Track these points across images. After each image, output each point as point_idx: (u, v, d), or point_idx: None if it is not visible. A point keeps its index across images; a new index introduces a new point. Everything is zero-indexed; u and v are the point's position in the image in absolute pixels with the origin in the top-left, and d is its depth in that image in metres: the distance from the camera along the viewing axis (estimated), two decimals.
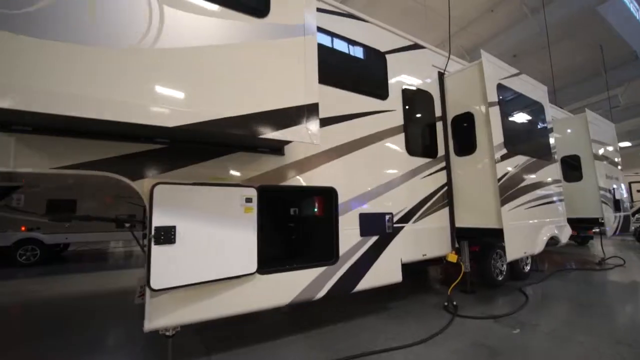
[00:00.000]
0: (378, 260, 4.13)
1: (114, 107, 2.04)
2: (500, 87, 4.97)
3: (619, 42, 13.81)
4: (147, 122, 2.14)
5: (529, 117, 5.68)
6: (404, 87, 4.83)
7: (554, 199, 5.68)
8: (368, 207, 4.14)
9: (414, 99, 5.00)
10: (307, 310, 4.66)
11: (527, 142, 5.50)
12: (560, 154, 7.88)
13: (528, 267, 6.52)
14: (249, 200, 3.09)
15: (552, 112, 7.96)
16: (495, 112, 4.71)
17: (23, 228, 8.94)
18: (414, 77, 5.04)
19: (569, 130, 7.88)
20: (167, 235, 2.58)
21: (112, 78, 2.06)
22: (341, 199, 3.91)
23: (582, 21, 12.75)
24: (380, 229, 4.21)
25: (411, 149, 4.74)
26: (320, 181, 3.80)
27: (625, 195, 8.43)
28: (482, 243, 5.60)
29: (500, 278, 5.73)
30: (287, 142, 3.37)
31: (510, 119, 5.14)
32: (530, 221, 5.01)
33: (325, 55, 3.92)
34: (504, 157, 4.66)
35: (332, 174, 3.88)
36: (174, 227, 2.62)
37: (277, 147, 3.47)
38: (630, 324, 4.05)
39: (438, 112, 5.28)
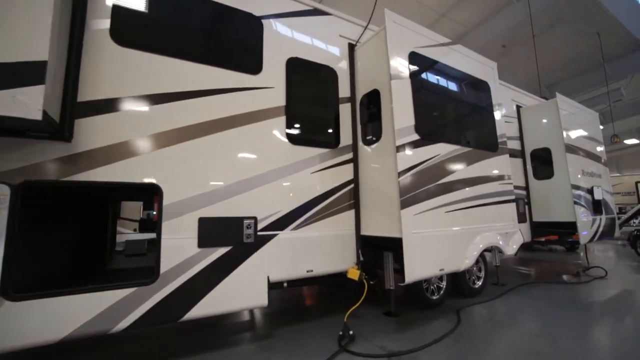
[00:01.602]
0: (228, 279, 3.13)
1: None
2: (415, 57, 3.93)
3: (619, 29, 12.49)
4: None
5: (464, 97, 4.61)
6: (290, 60, 3.84)
7: (498, 199, 4.57)
8: (215, 210, 3.16)
9: (307, 75, 4.01)
10: (157, 335, 3.69)
11: (459, 127, 4.42)
12: (530, 147, 6.74)
13: (480, 282, 5.39)
14: None
15: (523, 99, 6.86)
16: (402, 87, 3.68)
17: None
18: (308, 48, 4.05)
19: (538, 119, 6.71)
20: None
21: None
22: (169, 199, 2.94)
23: (575, 5, 11.49)
24: (234, 238, 3.22)
25: (295, 137, 3.74)
26: (136, 176, 2.85)
27: (608, 195, 7.18)
28: None
29: (435, 297, 4.64)
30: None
31: (430, 97, 4.09)
32: (454, 228, 3.92)
33: (157, 14, 3.10)
34: (413, 145, 3.62)
35: (156, 166, 2.93)
36: None
37: (51, 131, 2.53)
38: None
39: (345, 92, 4.25)
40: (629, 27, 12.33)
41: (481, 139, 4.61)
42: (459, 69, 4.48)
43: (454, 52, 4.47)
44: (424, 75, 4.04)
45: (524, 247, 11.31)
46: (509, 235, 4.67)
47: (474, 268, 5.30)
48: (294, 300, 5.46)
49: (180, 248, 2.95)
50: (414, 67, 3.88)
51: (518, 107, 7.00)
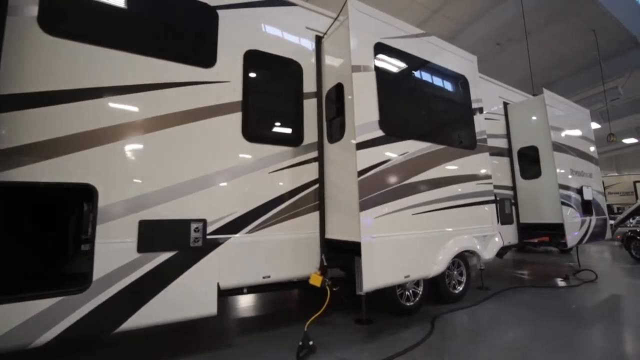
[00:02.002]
0: (171, 287, 2.91)
1: None
2: (382, 49, 3.70)
3: (616, 26, 12.21)
4: None
5: (438, 92, 4.36)
6: (248, 53, 3.61)
7: (476, 200, 4.32)
8: (159, 212, 2.93)
9: (268, 69, 3.79)
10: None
11: (432, 123, 4.18)
12: (517, 146, 6.49)
13: (461, 287, 5.13)
14: None
15: (511, 96, 6.62)
16: (365, 80, 3.44)
17: None
18: (270, 40, 3.82)
19: (525, 117, 6.46)
20: None
21: None
22: (106, 201, 2.72)
23: (570, 1, 11.21)
24: (179, 242, 2.99)
25: (253, 134, 3.51)
26: (66, 175, 2.63)
27: (600, 195, 6.91)
28: None
29: (409, 303, 4.39)
30: None
31: (399, 91, 3.85)
32: (422, 231, 3.68)
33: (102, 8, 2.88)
34: (376, 142, 3.38)
35: (91, 165, 2.71)
36: None
37: None
38: None
39: (311, 87, 4.02)
40: (625, 24, 12.04)
41: (457, 136, 4.36)
42: (433, 62, 4.24)
43: (428, 44, 4.24)
44: (392, 68, 3.80)
45: (516, 248, 11.08)
46: (487, 238, 4.42)
47: (455, 272, 5.06)
48: (265, 305, 5.23)
49: (116, 253, 2.73)
50: (381, 59, 3.64)
51: (505, 104, 6.74)
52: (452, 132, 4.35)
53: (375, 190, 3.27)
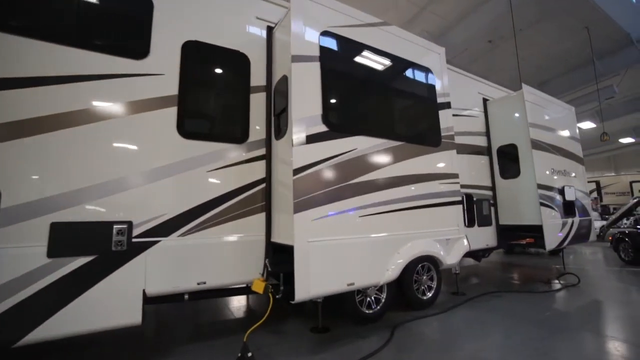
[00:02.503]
0: (88, 294, 2.67)
1: None
2: (330, 38, 3.47)
3: (609, 24, 11.93)
4: None
5: (397, 85, 4.12)
6: (187, 44, 3.39)
7: (439, 200, 4.06)
8: (78, 214, 2.71)
9: (210, 61, 3.56)
10: None
11: (387, 118, 3.94)
12: (497, 144, 6.23)
13: (431, 293, 4.86)
14: None
15: (492, 92, 6.36)
16: (307, 71, 3.22)
17: None
18: (214, 31, 3.59)
19: (504, 113, 6.20)
20: None
21: None
22: (10, 202, 2.50)
23: None
24: (99, 245, 2.76)
25: (189, 130, 3.28)
26: None
27: (584, 195, 6.62)
28: None
29: (370, 311, 4.13)
30: None
31: (349, 84, 3.62)
32: (371, 235, 3.42)
33: None
34: (318, 138, 3.14)
35: None
36: None
37: None
38: None
39: (260, 80, 3.79)
40: (619, 22, 11.76)
41: (419, 132, 4.11)
42: (392, 53, 4.00)
43: (387, 34, 4.00)
44: (341, 59, 3.56)
45: (505, 250, 10.78)
46: (451, 241, 4.15)
47: (424, 277, 4.79)
48: (216, 311, 4.99)
49: (22, 258, 2.50)
50: (327, 49, 3.41)
51: (485, 101, 6.49)
52: (412, 128, 4.11)
53: (314, 190, 3.03)
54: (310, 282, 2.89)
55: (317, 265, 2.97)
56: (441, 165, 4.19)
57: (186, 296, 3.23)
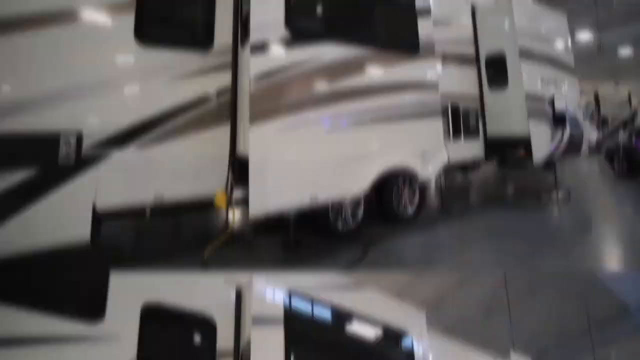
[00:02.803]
0: (31, 211, 2.54)
1: None
2: None
3: None
4: None
5: None
6: None
7: (414, 111, 3.83)
8: (16, 123, 2.53)
9: None
10: None
11: (358, 21, 3.59)
12: (485, 53, 5.91)
13: (413, 208, 4.72)
14: None
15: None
16: None
17: None
18: None
19: (493, 21, 5.77)
20: None
21: None
22: None
23: None
24: (44, 157, 2.61)
25: (148, 36, 2.97)
26: None
27: (576, 106, 6.33)
28: None
29: (343, 226, 3.97)
30: None
31: None
32: (340, 146, 3.25)
33: None
34: (280, 42, 2.91)
35: None
36: None
37: None
38: None
39: None
40: None
41: (392, 38, 3.78)
42: None
43: None
44: None
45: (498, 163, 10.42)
46: (428, 154, 3.98)
47: (406, 191, 4.62)
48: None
49: None
50: None
51: (474, 9, 6.02)
52: (386, 33, 3.77)
53: (274, 99, 2.82)
54: (268, 196, 2.78)
55: (276, 179, 2.83)
56: (419, 75, 3.92)
57: (147, 212, 3.11)
